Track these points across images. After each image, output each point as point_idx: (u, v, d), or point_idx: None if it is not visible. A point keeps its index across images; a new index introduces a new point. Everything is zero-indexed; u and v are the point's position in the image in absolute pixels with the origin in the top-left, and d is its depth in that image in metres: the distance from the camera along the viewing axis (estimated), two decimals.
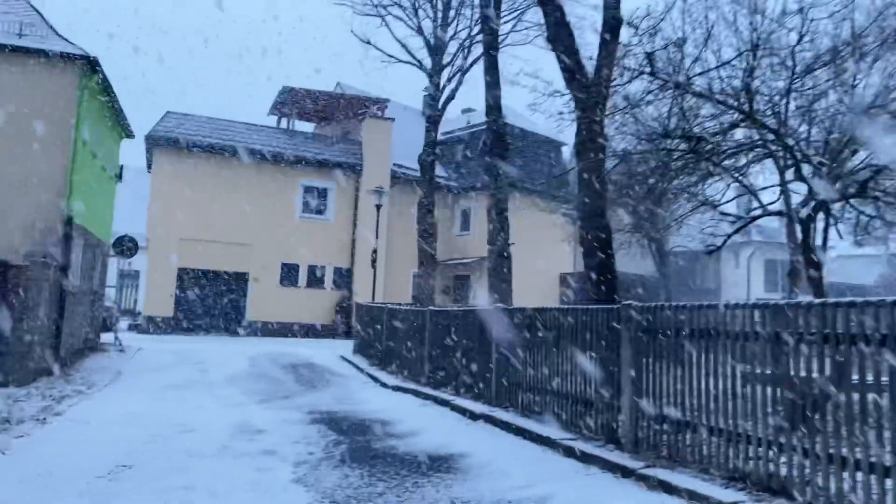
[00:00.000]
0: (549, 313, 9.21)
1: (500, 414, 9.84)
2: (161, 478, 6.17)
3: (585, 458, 7.39)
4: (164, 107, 45.82)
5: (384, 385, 14.27)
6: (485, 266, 29.46)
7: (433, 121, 21.01)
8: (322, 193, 28.51)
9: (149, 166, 27.54)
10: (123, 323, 30.45)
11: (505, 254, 14.23)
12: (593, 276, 9.88)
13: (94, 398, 11.32)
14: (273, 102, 30.75)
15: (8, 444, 7.10)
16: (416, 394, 12.75)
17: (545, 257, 31.24)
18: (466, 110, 36.08)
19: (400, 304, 19.72)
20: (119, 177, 19.98)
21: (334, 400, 12.04)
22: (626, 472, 6.73)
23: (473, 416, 10.16)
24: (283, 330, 26.81)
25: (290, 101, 29.60)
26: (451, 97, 21.57)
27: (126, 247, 19.35)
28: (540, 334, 9.33)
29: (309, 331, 27.08)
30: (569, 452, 7.73)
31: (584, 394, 8.26)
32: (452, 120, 33.87)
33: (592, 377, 8.12)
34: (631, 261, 28.69)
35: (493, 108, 14.95)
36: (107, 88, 15.77)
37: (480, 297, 28.85)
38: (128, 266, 35.12)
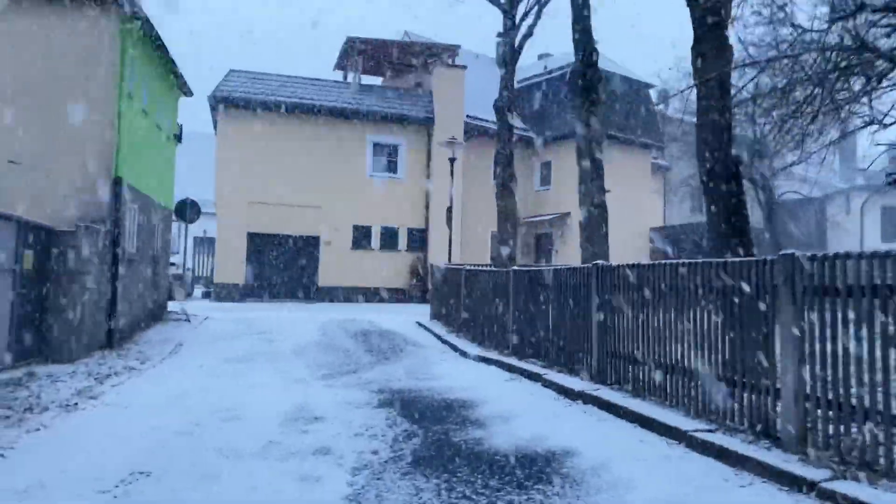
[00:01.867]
0: (667, 269, 7.32)
1: (605, 393, 8.09)
2: (180, 490, 4.77)
3: (730, 459, 5.57)
4: (222, 67, 44.91)
5: (465, 355, 12.74)
6: (568, 223, 27.48)
7: (509, 61, 18.92)
8: (392, 150, 26.99)
9: (215, 128, 26.63)
10: (198, 290, 30.18)
11: (598, 203, 12.27)
12: (719, 218, 7.86)
13: (144, 375, 10.23)
14: (338, 56, 29.29)
15: (14, 441, 5.87)
16: (501, 365, 11.14)
17: (634, 210, 28.84)
18: (543, 55, 33.66)
19: (479, 266, 18.11)
20: (178, 138, 18.95)
21: (408, 374, 10.55)
22: (798, 484, 4.87)
23: (571, 396, 8.45)
24: (356, 295, 25.70)
25: (356, 54, 28.01)
26: (528, 34, 19.40)
27: (187, 211, 18.38)
28: (657, 295, 7.47)
29: (383, 295, 25.88)
30: (706, 449, 5.91)
31: (724, 370, 6.39)
32: (528, 66, 31.55)
33: (735, 348, 6.23)
34: None
35: (582, 33, 12.83)
36: (153, 39, 14.54)
37: (565, 255, 26.87)
38: (203, 233, 34.96)
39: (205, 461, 5.47)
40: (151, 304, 16.46)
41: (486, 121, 26.97)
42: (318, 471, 5.25)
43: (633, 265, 7.99)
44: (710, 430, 6.24)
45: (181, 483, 4.93)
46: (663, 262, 7.46)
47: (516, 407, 7.86)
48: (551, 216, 28.21)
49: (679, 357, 7.07)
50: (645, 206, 29.99)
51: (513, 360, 11.17)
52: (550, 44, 36.31)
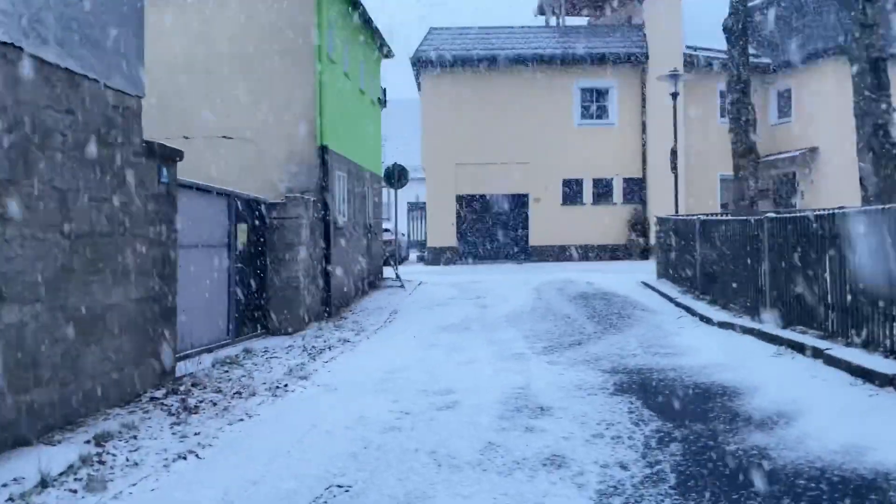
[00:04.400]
0: None
1: None
2: None
3: None
4: (415, 28, 44.25)
5: (706, 320, 10.82)
6: (819, 158, 23.47)
7: None
8: (602, 94, 24.85)
9: (419, 90, 26.33)
10: (413, 254, 30.61)
11: (884, 124, 9.55)
12: None
13: (357, 348, 9.78)
14: (538, 1, 27.51)
15: (214, 436, 5.35)
16: (759, 335, 9.14)
17: None
18: None
19: (711, 215, 15.73)
20: (382, 102, 18.63)
21: (643, 347, 8.99)
22: None
23: (874, 380, 6.34)
24: (569, 253, 24.21)
25: None
26: None
27: (395, 177, 18.07)
28: None
29: (597, 253, 24.13)
30: None
31: None
32: None
33: None
34: None
35: None
36: None
37: (813, 198, 23.05)
38: (415, 198, 35.45)
39: (412, 472, 4.47)
40: (366, 272, 16.39)
41: (709, 49, 23.72)
42: (551, 495, 4.00)
43: None
44: None
45: None
46: None
47: (799, 396, 6.02)
48: (794, 153, 24.30)
49: None
50: None
51: (771, 328, 9.12)
52: None
